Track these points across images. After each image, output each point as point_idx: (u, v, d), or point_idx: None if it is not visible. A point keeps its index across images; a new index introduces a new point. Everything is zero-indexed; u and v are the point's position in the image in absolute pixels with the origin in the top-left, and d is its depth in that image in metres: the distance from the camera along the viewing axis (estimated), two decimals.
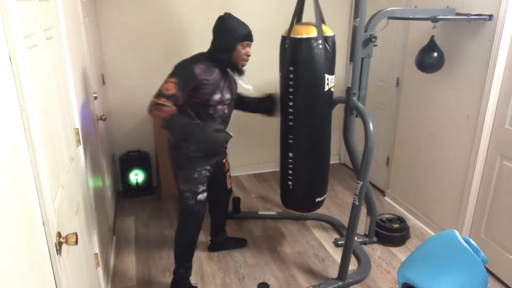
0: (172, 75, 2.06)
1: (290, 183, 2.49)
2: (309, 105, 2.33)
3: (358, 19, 2.29)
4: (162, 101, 1.97)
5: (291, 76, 2.26)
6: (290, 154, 2.43)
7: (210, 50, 2.18)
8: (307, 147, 2.42)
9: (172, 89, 2.00)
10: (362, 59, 2.37)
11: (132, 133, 3.63)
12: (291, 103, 2.32)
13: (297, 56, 2.21)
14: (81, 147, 1.87)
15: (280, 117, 2.45)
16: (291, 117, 2.35)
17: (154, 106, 1.96)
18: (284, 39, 2.28)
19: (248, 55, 2.18)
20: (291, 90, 2.29)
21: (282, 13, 3.63)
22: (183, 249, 2.37)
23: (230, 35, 2.10)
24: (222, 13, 2.22)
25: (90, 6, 2.94)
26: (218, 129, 1.96)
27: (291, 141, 2.40)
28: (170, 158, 2.32)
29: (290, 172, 2.46)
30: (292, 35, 2.20)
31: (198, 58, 2.14)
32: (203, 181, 2.29)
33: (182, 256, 2.37)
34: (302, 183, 2.48)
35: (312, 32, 2.18)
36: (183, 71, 2.07)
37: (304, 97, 2.30)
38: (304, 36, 2.17)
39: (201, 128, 1.97)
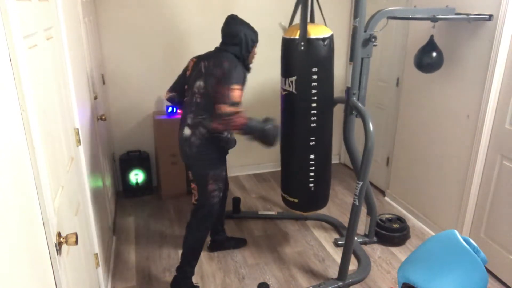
0: (234, 81, 2.08)
1: (311, 185, 2.49)
2: (328, 104, 2.40)
3: (357, 19, 2.29)
4: (239, 109, 2.04)
5: (315, 77, 2.27)
6: (312, 156, 2.43)
7: (234, 52, 2.21)
8: (325, 146, 2.47)
9: (240, 97, 2.07)
10: (362, 59, 2.37)
11: (132, 133, 3.63)
12: (314, 105, 2.33)
13: (321, 56, 2.24)
14: (81, 147, 1.87)
15: (298, 120, 2.41)
16: (314, 118, 2.36)
17: (233, 115, 2.01)
18: (296, 41, 2.24)
19: (255, 54, 2.34)
20: (314, 91, 2.30)
21: (281, 13, 3.63)
22: (196, 248, 2.38)
23: (250, 38, 2.23)
24: (222, 13, 2.24)
25: (90, 6, 2.94)
26: (276, 125, 2.16)
27: (313, 142, 2.40)
28: (197, 161, 2.25)
29: (312, 174, 2.46)
30: (312, 36, 2.22)
31: (235, 61, 2.19)
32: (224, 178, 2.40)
33: (193, 254, 2.38)
34: (322, 182, 2.53)
35: (326, 32, 2.25)
36: (240, 76, 2.13)
37: (325, 97, 2.36)
38: (323, 35, 2.23)
39: (270, 127, 2.14)
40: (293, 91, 2.34)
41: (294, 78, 2.32)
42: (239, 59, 2.23)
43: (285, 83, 2.39)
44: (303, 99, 2.34)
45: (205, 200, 2.30)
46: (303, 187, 2.51)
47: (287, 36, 2.32)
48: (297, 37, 2.26)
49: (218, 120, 2.04)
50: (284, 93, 2.42)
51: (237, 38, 2.20)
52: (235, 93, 2.05)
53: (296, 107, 2.39)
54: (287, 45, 2.33)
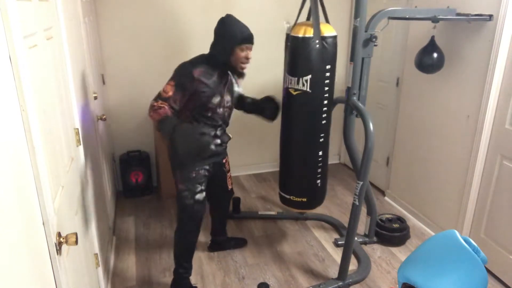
0: (171, 77, 2.10)
1: (318, 181, 2.52)
2: (332, 100, 2.42)
3: (358, 19, 2.29)
4: (158, 103, 2.02)
5: (327, 74, 2.30)
6: (320, 153, 2.46)
7: (210, 53, 2.18)
8: (328, 141, 2.50)
9: (169, 91, 2.05)
10: (363, 59, 2.37)
11: (132, 133, 3.63)
12: (325, 102, 2.36)
13: (332, 53, 2.27)
14: (81, 147, 1.87)
15: (311, 119, 2.40)
16: (324, 115, 2.38)
17: (152, 108, 2.02)
18: (311, 39, 2.23)
19: (248, 58, 2.15)
20: (326, 88, 2.33)
21: (282, 13, 3.63)
22: (182, 249, 2.37)
23: (228, 38, 2.09)
24: (222, 13, 2.22)
25: (90, 6, 2.94)
26: (203, 132, 2.00)
27: (322, 139, 2.43)
28: (170, 157, 2.33)
29: (319, 170, 2.50)
30: (326, 34, 2.23)
31: (198, 61, 2.15)
32: (201, 181, 2.29)
33: (181, 256, 2.37)
34: (325, 176, 2.57)
35: (332, 30, 2.27)
36: (182, 74, 2.09)
37: (332, 93, 2.39)
38: (333, 33, 2.26)
39: (185, 131, 1.93)
40: (308, 89, 2.31)
41: (309, 77, 2.29)
42: (217, 60, 2.13)
43: (297, 83, 2.34)
44: (318, 97, 2.34)
45: (177, 200, 2.31)
46: (312, 185, 2.53)
47: (300, 35, 2.26)
48: (308, 35, 2.23)
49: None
50: (296, 92, 2.36)
51: (217, 37, 2.16)
52: (165, 87, 2.06)
53: (310, 106, 2.37)
54: (301, 44, 2.27)
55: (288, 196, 2.62)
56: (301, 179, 2.56)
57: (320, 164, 2.50)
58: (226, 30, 2.10)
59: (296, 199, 2.58)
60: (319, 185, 2.55)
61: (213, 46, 2.18)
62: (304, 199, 2.57)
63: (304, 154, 2.50)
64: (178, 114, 2.16)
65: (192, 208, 2.28)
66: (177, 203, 2.33)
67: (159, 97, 2.05)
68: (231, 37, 2.08)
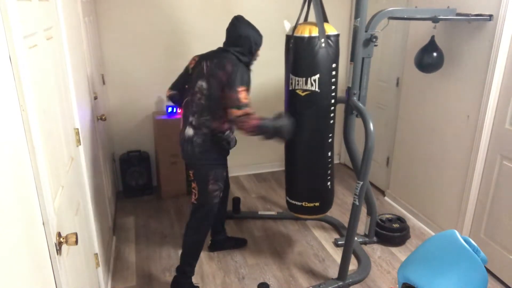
0: (238, 83, 2.11)
1: (328, 183, 2.49)
2: (337, 99, 2.41)
3: (358, 19, 2.29)
4: (250, 110, 2.09)
5: (333, 73, 2.29)
6: (329, 154, 2.44)
7: (237, 52, 2.22)
8: (333, 142, 2.47)
9: (247, 97, 2.12)
10: (363, 59, 2.37)
11: (132, 133, 3.63)
12: (333, 101, 2.34)
13: (337, 52, 2.28)
14: (81, 147, 1.87)
15: (321, 120, 2.37)
16: (332, 114, 2.37)
17: (245, 117, 2.06)
18: (315, 38, 2.21)
19: (257, 56, 2.36)
20: (333, 87, 2.31)
21: (282, 13, 3.63)
22: (196, 247, 2.37)
23: (254, 41, 2.25)
24: (222, 13, 2.24)
25: (90, 6, 2.94)
26: (289, 119, 2.21)
27: (330, 140, 2.41)
28: (199, 160, 2.25)
29: (329, 172, 2.47)
30: (329, 33, 2.24)
31: (237, 62, 2.20)
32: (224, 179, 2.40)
33: (192, 254, 2.38)
34: (333, 178, 2.55)
35: (334, 29, 2.29)
36: (245, 77, 2.15)
37: (337, 92, 2.38)
38: (336, 33, 2.27)
39: (284, 123, 2.18)
40: (316, 89, 2.28)
41: (317, 76, 2.26)
42: (241, 60, 2.22)
43: (306, 83, 2.30)
44: (326, 97, 2.31)
45: (205, 200, 2.30)
46: (323, 187, 2.49)
47: (306, 35, 2.24)
48: (314, 34, 2.21)
49: (232, 124, 2.14)
50: (305, 93, 2.32)
51: (241, 39, 2.21)
52: (241, 95, 2.09)
53: (319, 106, 2.33)
54: (307, 44, 2.25)
55: (299, 203, 2.52)
56: (312, 182, 2.49)
57: (330, 165, 2.46)
58: (251, 33, 2.24)
59: (308, 204, 2.50)
60: (329, 187, 2.50)
61: (239, 46, 2.22)
62: (317, 204, 2.50)
63: (315, 156, 2.44)
64: (222, 114, 2.19)
65: (216, 206, 2.35)
66: (202, 204, 2.31)
67: (244, 105, 2.07)
68: (257, 40, 2.26)
